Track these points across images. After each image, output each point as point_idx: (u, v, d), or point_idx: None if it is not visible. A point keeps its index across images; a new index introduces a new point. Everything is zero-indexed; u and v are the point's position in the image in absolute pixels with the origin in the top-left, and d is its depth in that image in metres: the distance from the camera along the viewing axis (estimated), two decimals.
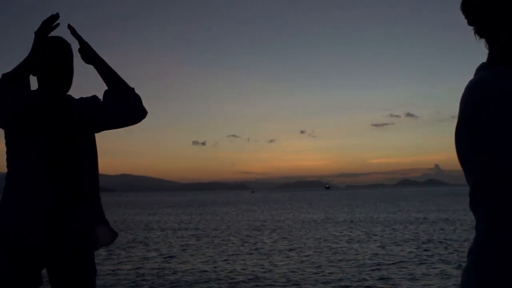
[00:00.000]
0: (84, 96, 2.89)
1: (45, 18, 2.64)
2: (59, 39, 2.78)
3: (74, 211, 2.65)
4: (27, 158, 2.62)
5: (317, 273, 11.57)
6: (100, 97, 2.85)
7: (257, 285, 10.37)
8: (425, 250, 15.33)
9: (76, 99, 2.85)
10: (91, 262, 2.76)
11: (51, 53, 2.74)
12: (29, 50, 2.66)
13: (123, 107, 2.79)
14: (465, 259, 1.49)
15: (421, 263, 12.76)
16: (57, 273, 2.68)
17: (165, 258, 14.66)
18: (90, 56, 2.79)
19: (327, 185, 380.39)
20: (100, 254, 15.48)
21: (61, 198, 2.61)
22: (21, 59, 2.68)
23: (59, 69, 2.73)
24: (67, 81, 2.76)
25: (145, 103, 2.88)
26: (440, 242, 17.35)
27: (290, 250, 15.95)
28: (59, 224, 2.60)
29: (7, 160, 2.69)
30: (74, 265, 2.67)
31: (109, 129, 2.89)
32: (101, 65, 2.80)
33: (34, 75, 2.76)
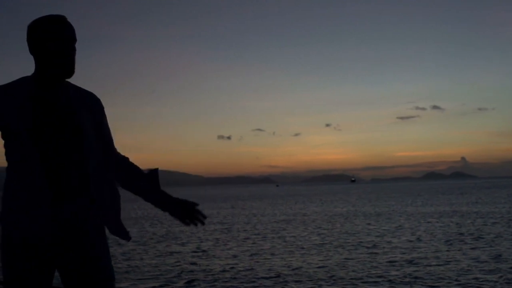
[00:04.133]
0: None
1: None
2: (65, 18, 2.46)
3: (74, 207, 2.44)
4: (24, 151, 2.38)
5: (349, 268, 11.50)
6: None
7: (288, 280, 10.35)
8: (457, 243, 15.13)
9: (77, 86, 2.57)
10: (103, 260, 2.51)
11: (60, 31, 2.41)
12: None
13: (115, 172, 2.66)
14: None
15: (454, 257, 12.60)
16: (70, 274, 2.48)
17: (196, 252, 14.69)
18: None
19: (353, 179, 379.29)
20: (130, 249, 15.62)
21: (60, 193, 2.40)
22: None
23: (66, 51, 2.41)
24: (72, 67, 2.45)
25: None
26: (472, 235, 17.13)
27: (320, 244, 15.89)
28: (60, 220, 2.40)
29: (6, 153, 2.47)
30: (85, 265, 2.46)
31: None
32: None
33: (32, 54, 2.46)
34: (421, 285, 9.64)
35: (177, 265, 12.37)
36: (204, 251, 14.90)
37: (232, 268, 11.81)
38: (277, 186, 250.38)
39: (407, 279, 10.09)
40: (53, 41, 2.40)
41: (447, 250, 13.80)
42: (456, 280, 9.95)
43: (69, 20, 2.50)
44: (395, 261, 12.18)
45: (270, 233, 20.02)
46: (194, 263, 12.63)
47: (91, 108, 2.56)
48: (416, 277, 10.25)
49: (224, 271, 11.45)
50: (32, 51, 2.46)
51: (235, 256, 13.63)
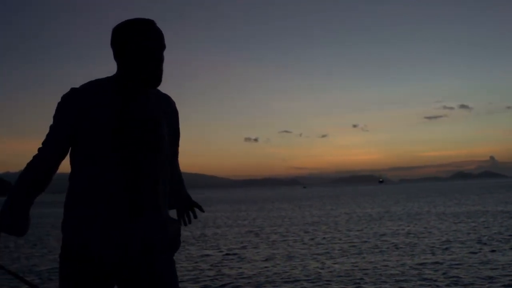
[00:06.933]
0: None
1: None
2: (154, 22, 2.30)
3: (144, 219, 2.28)
4: (101, 158, 2.21)
5: (386, 269, 11.33)
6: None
7: (325, 282, 10.24)
8: (493, 243, 14.81)
9: (155, 90, 2.38)
10: (169, 279, 2.43)
11: (148, 35, 2.24)
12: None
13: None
14: None
15: (492, 257, 12.34)
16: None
17: (228, 255, 14.65)
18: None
19: (381, 179, 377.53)
20: None
21: (131, 204, 2.23)
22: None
23: (153, 56, 2.25)
24: (158, 75, 2.28)
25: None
26: (510, 235, 16.81)
27: (354, 245, 15.72)
28: (128, 234, 2.24)
29: (71, 158, 2.31)
30: (149, 283, 2.34)
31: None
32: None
33: (116, 58, 2.28)
34: (460, 285, 9.45)
35: (211, 269, 12.33)
36: (236, 254, 14.84)
37: (267, 270, 11.73)
38: (304, 187, 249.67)
39: (446, 280, 9.91)
40: (140, 44, 2.24)
41: (484, 250, 13.53)
42: (497, 280, 9.74)
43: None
44: (431, 262, 11.98)
45: (302, 234, 19.91)
46: (227, 266, 12.59)
47: (169, 115, 2.41)
48: (454, 277, 10.07)
49: (258, 274, 11.38)
50: (116, 54, 2.29)
51: (268, 259, 13.54)
